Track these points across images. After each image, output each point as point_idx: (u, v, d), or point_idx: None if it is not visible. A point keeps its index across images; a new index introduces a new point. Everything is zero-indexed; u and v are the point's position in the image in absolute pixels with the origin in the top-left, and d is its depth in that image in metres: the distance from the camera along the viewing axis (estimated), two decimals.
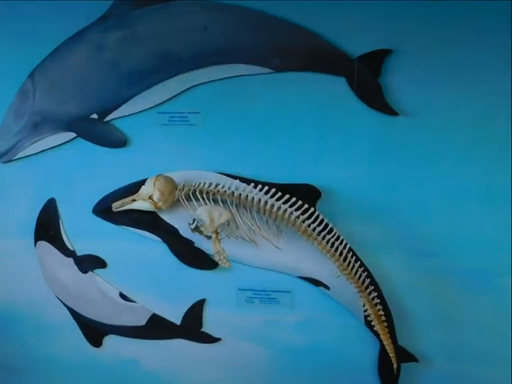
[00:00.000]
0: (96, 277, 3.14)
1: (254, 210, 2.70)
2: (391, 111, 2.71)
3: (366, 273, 2.65)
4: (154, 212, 2.91)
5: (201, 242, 2.95)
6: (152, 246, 3.03)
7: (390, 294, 2.80)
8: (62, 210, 3.13)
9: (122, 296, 3.12)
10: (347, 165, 2.82)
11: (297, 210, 2.63)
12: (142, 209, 2.84)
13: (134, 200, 2.84)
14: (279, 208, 2.63)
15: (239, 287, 3.00)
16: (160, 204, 2.75)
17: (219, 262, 2.71)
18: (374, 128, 2.76)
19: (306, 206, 2.63)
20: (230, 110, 2.89)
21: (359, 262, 2.65)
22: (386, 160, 2.78)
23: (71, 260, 3.15)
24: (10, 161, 3.13)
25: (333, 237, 2.62)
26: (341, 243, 2.62)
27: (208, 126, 2.90)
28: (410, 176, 2.77)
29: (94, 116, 3.00)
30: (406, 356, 2.86)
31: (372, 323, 2.69)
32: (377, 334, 2.73)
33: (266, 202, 2.64)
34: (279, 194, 2.66)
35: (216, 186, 2.71)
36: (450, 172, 2.73)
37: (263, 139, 2.88)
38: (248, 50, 2.82)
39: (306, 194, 2.76)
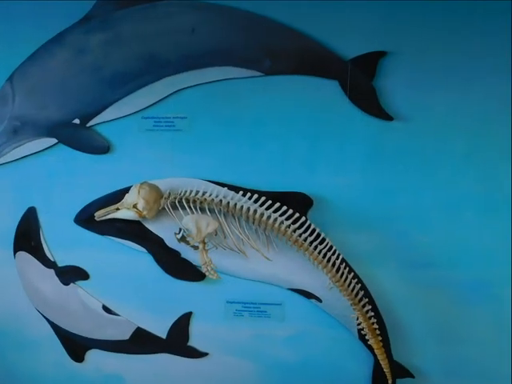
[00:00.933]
0: (78, 289, 3.06)
1: (243, 220, 2.62)
2: (386, 116, 2.64)
3: (359, 284, 2.59)
4: (138, 221, 2.82)
5: (187, 253, 2.87)
6: (137, 256, 2.95)
7: (385, 307, 2.74)
8: (43, 219, 3.05)
9: (105, 309, 3.03)
10: (340, 172, 2.76)
11: (288, 219, 2.56)
12: (126, 218, 2.76)
13: (117, 209, 2.76)
14: (269, 217, 2.56)
15: (227, 300, 2.92)
16: (145, 213, 2.67)
17: (206, 274, 2.65)
18: (369, 134, 2.70)
19: (298, 214, 2.57)
20: (219, 115, 2.82)
21: (353, 274, 2.58)
22: (381, 167, 2.72)
23: (52, 271, 3.06)
24: None
25: (325, 247, 2.55)
26: (333, 254, 2.54)
27: (195, 132, 2.84)
28: (405, 184, 2.71)
29: (76, 121, 2.92)
30: (401, 371, 2.80)
31: (366, 337, 2.63)
32: (371, 349, 2.66)
33: (255, 211, 2.57)
34: (269, 202, 2.59)
35: (203, 194, 2.63)
36: (448, 180, 2.67)
37: (253, 145, 2.82)
38: (237, 52, 2.76)
39: (298, 203, 2.70)
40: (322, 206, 2.76)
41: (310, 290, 2.80)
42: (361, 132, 2.69)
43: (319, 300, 2.79)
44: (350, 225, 2.76)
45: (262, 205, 2.59)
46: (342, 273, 2.54)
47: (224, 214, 2.64)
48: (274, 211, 2.57)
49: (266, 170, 2.80)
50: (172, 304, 2.97)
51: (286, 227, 2.54)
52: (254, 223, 2.59)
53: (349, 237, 2.75)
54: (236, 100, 2.79)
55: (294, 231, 2.54)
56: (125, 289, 3.01)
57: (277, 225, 2.54)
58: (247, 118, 2.80)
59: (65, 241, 3.03)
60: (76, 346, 3.12)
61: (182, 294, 2.95)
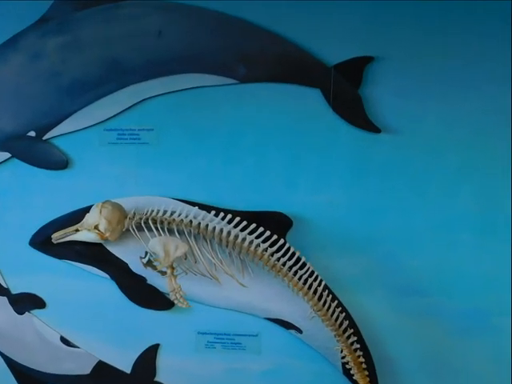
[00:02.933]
0: (33, 318, 2.88)
1: (216, 242, 2.48)
2: (373, 128, 2.52)
3: (344, 313, 2.44)
4: (100, 244, 2.68)
5: (154, 279, 2.73)
6: (98, 282, 2.80)
7: (372, 338, 2.62)
8: None
9: (64, 340, 2.87)
10: (322, 189, 2.63)
11: (265, 241, 2.41)
12: (86, 240, 2.61)
13: (77, 230, 2.61)
14: (244, 239, 2.42)
15: (198, 330, 2.78)
16: (107, 235, 2.52)
17: (175, 302, 2.53)
18: (354, 147, 2.58)
19: (276, 236, 2.42)
20: (189, 127, 2.70)
21: (336, 302, 2.44)
22: (367, 184, 2.59)
23: (5, 299, 2.90)
24: None
25: (306, 272, 2.40)
26: (315, 279, 2.40)
27: (163, 145, 2.71)
28: (394, 202, 2.58)
29: (32, 133, 2.79)
30: None
31: (351, 372, 2.48)
32: None
33: (229, 233, 2.43)
34: (244, 223, 2.45)
35: (171, 214, 2.50)
36: (441, 198, 2.55)
37: (226, 160, 2.68)
38: (209, 58, 2.64)
39: (276, 223, 2.56)
40: (303, 227, 2.62)
41: (288, 320, 2.66)
42: (345, 145, 2.56)
43: (299, 331, 2.65)
44: (333, 247, 2.62)
45: (236, 226, 2.45)
46: (325, 301, 2.39)
47: (194, 236, 2.50)
48: (250, 233, 2.43)
49: (240, 188, 2.66)
50: (137, 335, 2.83)
51: (262, 250, 2.40)
52: (227, 246, 2.46)
53: (332, 261, 2.61)
54: (208, 110, 2.67)
55: (272, 255, 2.40)
56: (85, 318, 2.85)
57: (253, 248, 2.40)
58: (220, 130, 2.67)
59: (19, 265, 2.87)
60: (31, 382, 2.95)
61: (148, 324, 2.81)
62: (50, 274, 2.82)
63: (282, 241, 2.42)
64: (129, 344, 2.81)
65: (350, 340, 2.41)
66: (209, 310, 2.71)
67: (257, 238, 2.41)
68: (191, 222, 2.46)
